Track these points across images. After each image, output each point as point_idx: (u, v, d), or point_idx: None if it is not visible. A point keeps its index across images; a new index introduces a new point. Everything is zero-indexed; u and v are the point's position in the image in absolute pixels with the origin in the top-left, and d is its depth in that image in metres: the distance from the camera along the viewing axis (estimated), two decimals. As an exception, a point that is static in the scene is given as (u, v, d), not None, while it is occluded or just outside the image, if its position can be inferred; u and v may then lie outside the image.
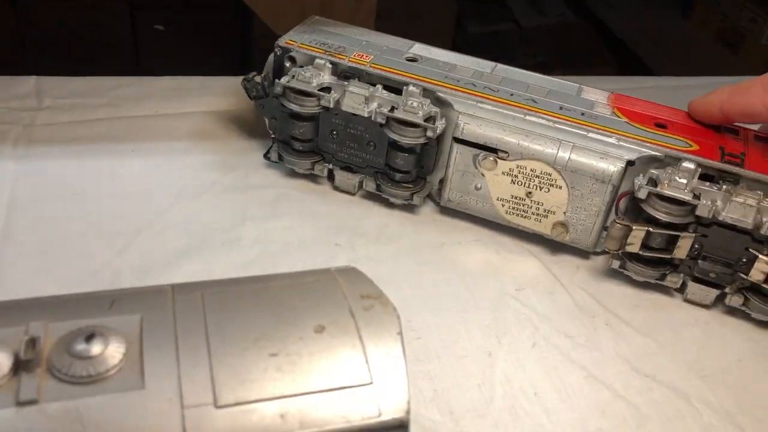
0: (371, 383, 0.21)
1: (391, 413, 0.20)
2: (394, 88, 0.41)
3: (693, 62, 1.37)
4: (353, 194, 0.44)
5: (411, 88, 0.40)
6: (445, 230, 0.42)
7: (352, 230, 0.41)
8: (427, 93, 0.40)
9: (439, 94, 0.40)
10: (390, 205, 0.43)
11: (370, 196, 0.44)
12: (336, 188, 0.44)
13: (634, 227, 0.37)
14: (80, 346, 0.20)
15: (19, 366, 0.19)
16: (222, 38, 1.38)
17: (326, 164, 0.43)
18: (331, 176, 0.44)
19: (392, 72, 0.41)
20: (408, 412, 0.21)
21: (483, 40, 1.41)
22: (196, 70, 0.53)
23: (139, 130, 0.47)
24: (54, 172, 0.43)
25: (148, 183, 0.43)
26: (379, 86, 0.41)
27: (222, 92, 0.51)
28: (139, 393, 0.20)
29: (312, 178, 0.44)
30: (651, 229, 0.37)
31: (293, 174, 0.44)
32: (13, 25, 1.28)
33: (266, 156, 0.44)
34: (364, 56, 0.42)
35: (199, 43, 1.36)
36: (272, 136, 0.44)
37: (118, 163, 0.44)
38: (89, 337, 0.20)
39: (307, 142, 0.43)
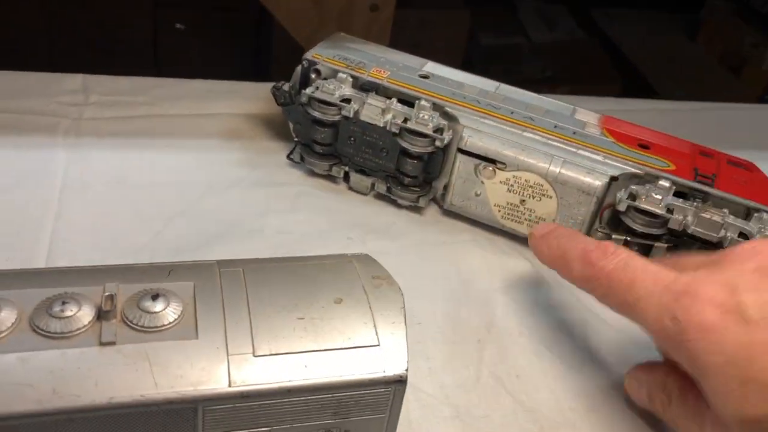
0: (378, 345, 0.26)
1: (393, 370, 0.25)
2: (408, 102, 0.46)
3: (696, 84, 1.42)
4: (366, 194, 0.49)
5: (422, 102, 0.45)
6: (447, 230, 0.47)
7: (363, 226, 0.46)
8: (436, 107, 0.45)
9: (447, 108, 0.45)
10: (398, 205, 0.48)
11: (381, 197, 0.49)
12: (351, 188, 0.49)
13: (613, 236, 0.42)
14: (147, 303, 0.25)
15: (100, 316, 0.24)
16: (243, 40, 1.43)
17: (343, 167, 0.48)
18: (347, 177, 0.49)
19: (406, 87, 0.46)
20: (407, 370, 0.26)
21: (494, 53, 1.46)
22: (216, 70, 0.58)
23: (174, 127, 0.52)
24: (99, 161, 0.48)
25: (182, 175, 0.48)
26: (395, 99, 0.46)
27: (250, 96, 0.56)
28: (193, 342, 0.25)
29: (330, 178, 0.49)
30: (629, 239, 0.42)
31: (313, 174, 0.49)
32: (37, 20, 1.32)
33: (289, 156, 0.49)
34: (382, 72, 0.47)
35: (220, 44, 1.40)
36: (296, 139, 0.49)
37: (155, 156, 0.49)
38: (155, 297, 0.25)
39: (327, 146, 0.48)
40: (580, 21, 1.62)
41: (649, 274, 0.30)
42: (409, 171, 0.46)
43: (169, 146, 0.50)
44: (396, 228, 0.47)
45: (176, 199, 0.46)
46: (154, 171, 0.48)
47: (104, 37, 1.36)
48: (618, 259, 0.32)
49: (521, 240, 0.46)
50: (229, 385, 0.24)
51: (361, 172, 0.48)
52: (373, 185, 0.48)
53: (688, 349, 0.28)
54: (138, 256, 0.40)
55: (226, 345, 0.25)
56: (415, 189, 0.47)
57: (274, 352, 0.25)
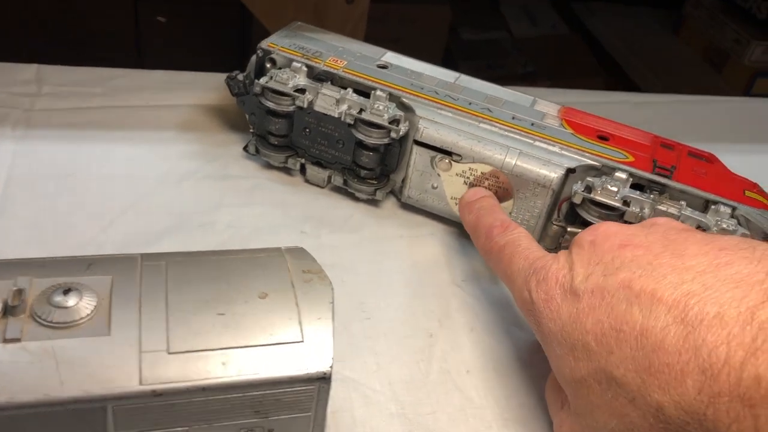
0: (302, 342, 0.25)
1: (316, 367, 0.24)
2: (364, 93, 0.45)
3: (678, 79, 1.41)
4: (323, 187, 0.48)
5: (378, 92, 0.44)
6: (404, 224, 0.46)
7: (318, 219, 0.45)
8: (392, 98, 0.44)
9: (404, 99, 0.44)
10: (356, 199, 0.47)
11: (337, 190, 0.48)
12: (307, 181, 0.48)
13: (569, 228, 0.41)
14: (58, 298, 0.24)
15: (6, 311, 0.23)
16: (224, 33, 1.41)
17: (299, 159, 0.47)
18: (303, 170, 0.48)
19: (362, 77, 0.45)
20: (331, 367, 0.25)
21: (475, 47, 1.45)
22: (197, 62, 0.57)
23: (130, 119, 0.51)
24: (49, 153, 0.46)
25: (135, 168, 0.47)
26: (350, 90, 0.45)
27: (211, 87, 0.55)
28: (105, 338, 0.24)
29: (286, 170, 0.48)
30: (584, 231, 0.41)
31: (269, 166, 0.48)
32: (15, 12, 1.31)
33: (245, 149, 0.48)
34: (339, 61, 0.46)
35: (201, 36, 1.39)
36: (251, 130, 0.48)
37: (108, 148, 0.48)
38: (66, 291, 0.24)
39: (282, 137, 0.47)
40: (562, 16, 1.61)
41: (526, 252, 0.34)
42: (365, 163, 0.45)
43: (123, 138, 0.49)
44: (353, 221, 0.46)
45: (126, 192, 0.44)
46: (105, 164, 0.46)
47: (84, 28, 1.34)
48: (511, 236, 0.36)
49: (479, 233, 0.45)
50: (140, 383, 0.23)
51: (318, 164, 0.47)
52: (329, 178, 0.47)
53: (535, 318, 0.31)
54: (83, 251, 0.39)
55: (140, 342, 0.24)
56: (372, 182, 0.46)
57: (190, 349, 0.24)
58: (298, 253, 0.29)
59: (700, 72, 1.43)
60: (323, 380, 0.24)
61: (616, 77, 1.47)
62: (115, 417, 0.23)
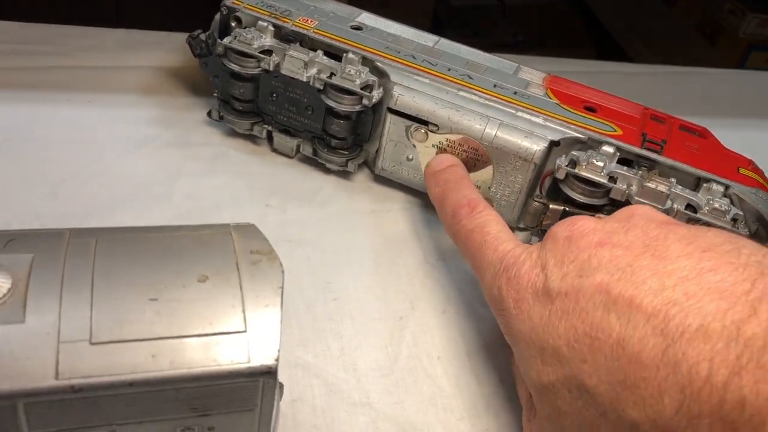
0: (245, 331, 0.22)
1: (259, 360, 0.22)
2: (336, 56, 0.42)
3: (672, 52, 1.38)
4: (291, 157, 0.45)
5: (350, 55, 0.41)
6: (378, 198, 0.44)
7: (285, 192, 0.42)
8: (366, 62, 0.41)
9: (378, 63, 0.41)
10: (326, 170, 0.44)
11: (307, 161, 0.45)
12: (275, 150, 0.45)
13: (551, 205, 0.39)
14: (-35, 279, 0.21)
15: None
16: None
17: (265, 126, 0.44)
18: (270, 138, 0.45)
19: (334, 39, 0.42)
20: (277, 359, 0.22)
21: (464, 14, 1.41)
22: (180, 26, 0.53)
23: (84, 80, 0.47)
24: (-12, 115, 0.43)
25: (83, 133, 0.43)
26: (320, 52, 0.41)
27: (174, 48, 0.51)
28: (18, 326, 0.21)
29: (252, 138, 0.45)
30: (567, 209, 0.39)
31: (234, 134, 0.45)
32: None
33: (208, 114, 0.45)
34: (309, 21, 0.43)
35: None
36: (215, 95, 0.44)
37: (54, 111, 0.44)
38: (-25, 272, 0.21)
39: (248, 102, 0.43)
40: (555, -16, 1.57)
41: (495, 243, 0.31)
42: (336, 132, 0.42)
43: (73, 100, 0.45)
44: (322, 194, 0.43)
45: (74, 159, 0.41)
46: (51, 129, 0.43)
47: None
48: (480, 220, 0.33)
49: (456, 209, 0.43)
50: (56, 378, 0.20)
51: (286, 132, 0.44)
52: (298, 147, 0.44)
53: (504, 318, 0.29)
54: (19, 224, 0.36)
55: (59, 330, 0.21)
56: (343, 152, 0.43)
57: (115, 339, 0.21)
58: (248, 230, 0.26)
59: (694, 44, 1.40)
60: (268, 375, 0.22)
61: (608, 49, 1.44)
62: (27, 415, 0.20)
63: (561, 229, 0.28)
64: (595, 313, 0.24)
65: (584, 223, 0.28)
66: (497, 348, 0.36)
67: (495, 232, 0.32)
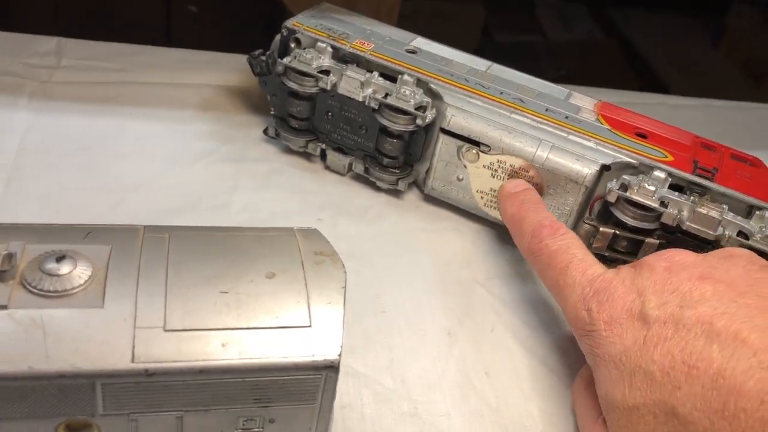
0: (310, 326, 0.23)
1: (323, 354, 0.22)
2: (391, 77, 0.43)
3: (716, 90, 1.37)
4: (343, 175, 0.46)
5: (405, 77, 0.42)
6: (427, 217, 0.44)
7: (336, 208, 0.43)
8: (420, 83, 0.42)
9: (432, 85, 0.42)
10: (377, 188, 0.45)
11: (359, 178, 0.46)
12: (327, 167, 0.46)
13: (601, 228, 0.39)
14: (50, 265, 0.22)
15: (-6, 276, 0.22)
16: (254, 23, 1.40)
17: (320, 144, 0.45)
18: (323, 156, 0.46)
19: (390, 61, 0.43)
20: (339, 355, 0.23)
21: (509, 50, 1.43)
22: (232, 50, 0.55)
23: (149, 96, 0.49)
24: (63, 126, 0.45)
25: (149, 146, 0.45)
26: (376, 73, 0.43)
27: (232, 68, 0.53)
28: (98, 311, 0.22)
29: (305, 155, 0.46)
30: (617, 232, 0.39)
31: (288, 150, 0.46)
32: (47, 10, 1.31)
33: (265, 131, 0.47)
34: (366, 44, 0.44)
35: (232, 25, 1.38)
36: (272, 112, 0.46)
37: (123, 124, 0.46)
38: (60, 258, 0.22)
39: (304, 120, 0.45)
40: (598, 21, 1.58)
41: (582, 264, 0.32)
42: (388, 151, 0.43)
43: (140, 115, 0.47)
44: (372, 212, 0.44)
45: (139, 170, 0.43)
46: (119, 141, 0.45)
47: (113, 20, 1.34)
48: (563, 242, 0.34)
49: (505, 229, 0.43)
50: (132, 361, 0.21)
51: (339, 150, 0.45)
52: (350, 165, 0.45)
53: (592, 339, 0.29)
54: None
55: (135, 316, 0.22)
56: (394, 171, 0.44)
57: (187, 328, 0.22)
58: (311, 233, 0.27)
59: (739, 83, 1.39)
60: (331, 369, 0.22)
61: (651, 84, 1.44)
62: (104, 395, 0.21)
63: (659, 259, 0.29)
64: (696, 343, 0.25)
65: (684, 256, 0.29)
66: (546, 368, 0.36)
67: (582, 255, 0.32)
